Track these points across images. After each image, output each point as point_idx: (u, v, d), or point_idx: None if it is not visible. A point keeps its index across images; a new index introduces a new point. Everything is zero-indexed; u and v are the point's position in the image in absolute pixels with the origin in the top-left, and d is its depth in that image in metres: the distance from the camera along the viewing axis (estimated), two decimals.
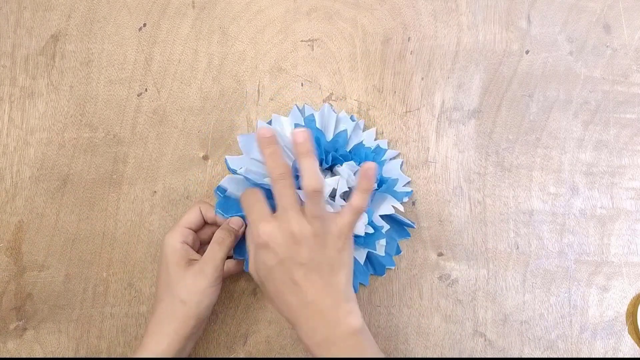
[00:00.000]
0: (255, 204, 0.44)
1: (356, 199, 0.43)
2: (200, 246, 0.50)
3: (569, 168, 0.55)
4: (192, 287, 0.45)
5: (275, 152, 0.43)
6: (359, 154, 0.51)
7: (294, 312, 0.43)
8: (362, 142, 0.52)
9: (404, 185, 0.54)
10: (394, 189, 0.52)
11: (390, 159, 0.54)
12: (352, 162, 0.50)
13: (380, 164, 0.52)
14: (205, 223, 0.50)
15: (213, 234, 0.49)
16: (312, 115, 0.52)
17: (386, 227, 0.50)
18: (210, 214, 0.49)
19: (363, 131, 0.54)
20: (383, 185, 0.51)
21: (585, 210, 0.55)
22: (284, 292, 0.43)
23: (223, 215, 0.49)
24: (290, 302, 0.43)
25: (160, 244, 0.49)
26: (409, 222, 0.52)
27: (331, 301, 0.42)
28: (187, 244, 0.47)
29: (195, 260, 0.47)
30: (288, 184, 0.43)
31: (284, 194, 0.42)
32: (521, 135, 0.56)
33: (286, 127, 0.52)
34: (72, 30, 0.56)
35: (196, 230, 0.49)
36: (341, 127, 0.53)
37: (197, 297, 0.45)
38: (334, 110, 0.54)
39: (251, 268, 0.45)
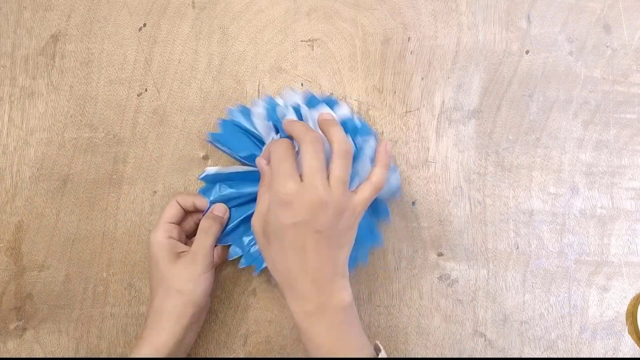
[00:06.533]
0: (286, 159, 0.43)
1: (376, 175, 0.44)
2: (187, 239, 0.50)
3: (569, 168, 0.55)
4: (185, 275, 0.45)
5: (304, 124, 0.45)
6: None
7: (290, 276, 0.43)
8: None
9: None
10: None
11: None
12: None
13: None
14: (186, 213, 0.50)
15: (195, 223, 0.50)
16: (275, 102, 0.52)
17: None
18: (189, 202, 0.49)
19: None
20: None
21: (585, 210, 0.55)
22: (287, 254, 0.42)
23: (204, 196, 0.50)
24: (290, 266, 0.42)
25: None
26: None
27: (330, 273, 0.43)
28: (173, 238, 0.48)
29: (184, 252, 0.48)
30: (320, 148, 0.42)
31: (315, 156, 0.42)
32: (521, 135, 0.56)
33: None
34: (72, 30, 0.56)
35: (179, 223, 0.49)
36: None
37: (191, 284, 0.45)
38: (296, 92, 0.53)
39: (256, 219, 0.45)
